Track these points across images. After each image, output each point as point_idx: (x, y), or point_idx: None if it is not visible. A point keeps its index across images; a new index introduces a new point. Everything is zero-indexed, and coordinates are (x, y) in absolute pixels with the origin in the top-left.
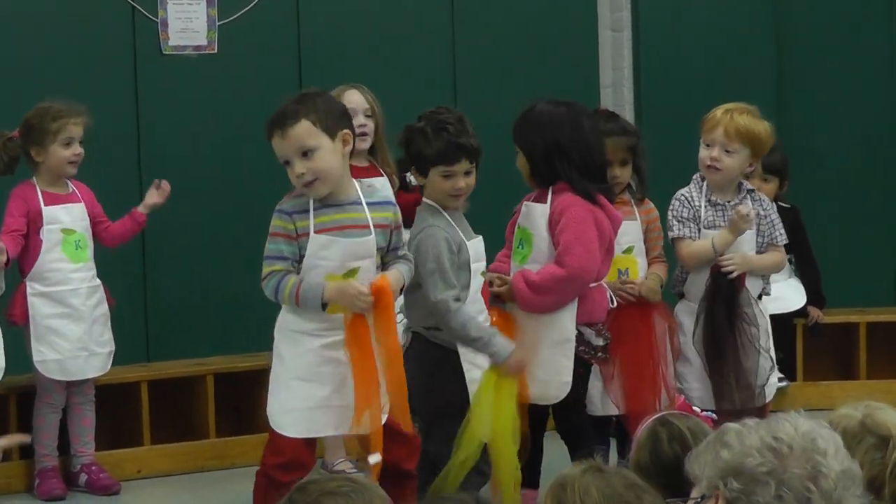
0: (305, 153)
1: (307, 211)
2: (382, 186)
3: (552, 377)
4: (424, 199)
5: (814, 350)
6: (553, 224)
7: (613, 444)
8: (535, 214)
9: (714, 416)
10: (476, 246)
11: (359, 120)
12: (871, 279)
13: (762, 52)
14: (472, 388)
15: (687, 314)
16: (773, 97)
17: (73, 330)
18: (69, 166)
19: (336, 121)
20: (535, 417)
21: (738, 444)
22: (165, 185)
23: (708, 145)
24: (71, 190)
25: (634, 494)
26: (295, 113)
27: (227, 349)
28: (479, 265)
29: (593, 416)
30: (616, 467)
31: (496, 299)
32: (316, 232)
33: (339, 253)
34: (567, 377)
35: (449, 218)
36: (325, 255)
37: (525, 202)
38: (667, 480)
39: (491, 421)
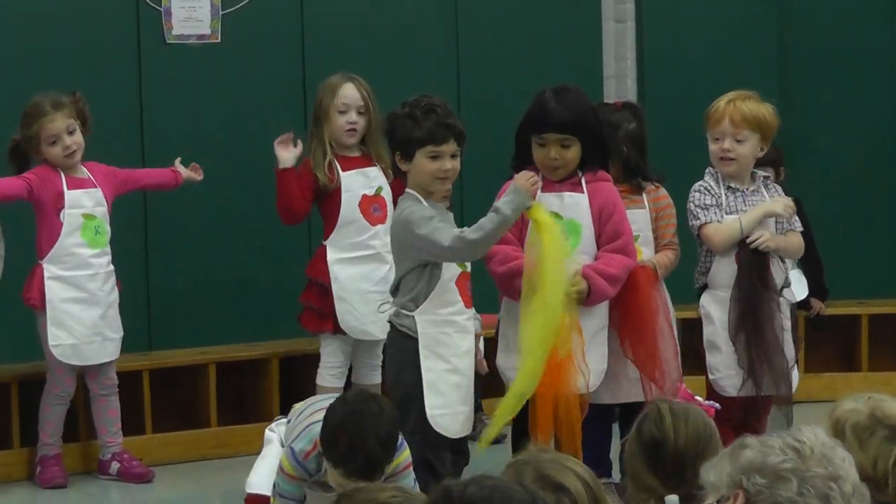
0: None
1: None
2: (375, 176)
3: (593, 366)
4: (407, 190)
5: (816, 342)
6: (602, 214)
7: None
8: (582, 205)
9: (717, 406)
10: None
11: (350, 117)
12: (874, 271)
13: (765, 42)
14: (427, 378)
15: (713, 303)
16: (776, 88)
17: (89, 314)
18: (66, 160)
19: None
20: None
21: (759, 445)
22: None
23: (717, 139)
24: (87, 175)
25: (540, 487)
26: None
27: (229, 338)
28: None
29: (596, 406)
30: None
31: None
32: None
33: None
34: (604, 365)
35: (431, 207)
36: None
37: (565, 192)
38: (646, 458)
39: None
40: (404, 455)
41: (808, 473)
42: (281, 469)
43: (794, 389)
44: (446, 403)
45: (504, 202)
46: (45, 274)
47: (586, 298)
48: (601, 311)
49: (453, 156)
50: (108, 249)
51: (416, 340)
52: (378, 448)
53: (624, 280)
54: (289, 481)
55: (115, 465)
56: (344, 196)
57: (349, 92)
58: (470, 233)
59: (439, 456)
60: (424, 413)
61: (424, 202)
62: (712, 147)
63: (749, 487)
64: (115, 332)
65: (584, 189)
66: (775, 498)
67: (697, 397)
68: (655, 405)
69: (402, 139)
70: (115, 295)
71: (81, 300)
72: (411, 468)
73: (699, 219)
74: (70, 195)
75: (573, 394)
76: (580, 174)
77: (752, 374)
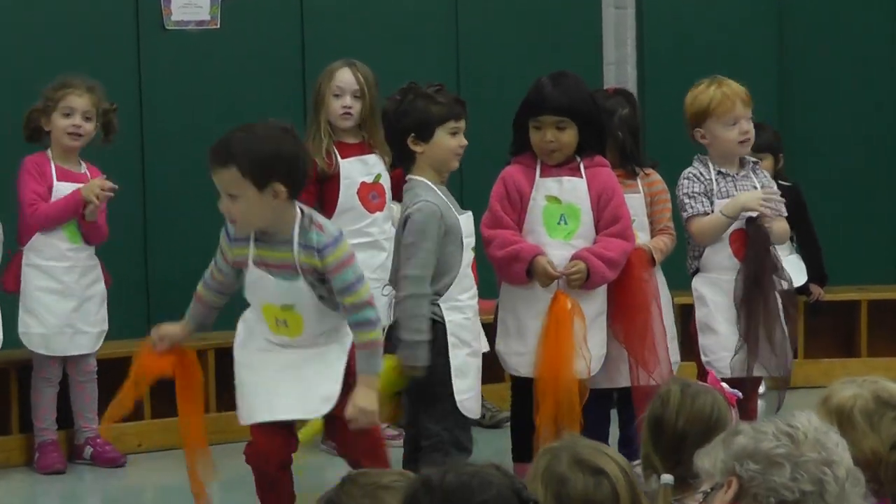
0: (230, 195)
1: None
2: (374, 164)
3: (593, 351)
4: (412, 176)
5: (815, 327)
6: (601, 199)
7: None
8: (580, 189)
9: (739, 394)
10: (466, 221)
11: (345, 101)
12: (873, 257)
13: (764, 28)
14: (455, 364)
15: (706, 285)
16: (775, 73)
17: (61, 306)
18: (67, 137)
19: (267, 172)
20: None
21: (752, 431)
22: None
23: (732, 124)
24: (84, 170)
25: (575, 470)
26: (226, 156)
27: (228, 324)
28: (469, 240)
29: (596, 390)
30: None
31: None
32: (254, 264)
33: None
34: (603, 350)
35: (440, 192)
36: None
37: (564, 177)
38: (649, 435)
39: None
40: (339, 251)
41: (801, 458)
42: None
43: (790, 370)
44: (471, 386)
45: (418, 357)
46: (24, 261)
47: (585, 282)
48: (600, 296)
49: (464, 132)
50: (89, 246)
51: (443, 326)
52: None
53: (623, 264)
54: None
55: (88, 450)
56: (343, 183)
57: (345, 76)
58: (412, 300)
59: (468, 435)
60: (454, 398)
61: (434, 187)
62: (728, 134)
63: (742, 474)
64: (92, 326)
65: (583, 174)
66: (769, 483)
67: (724, 384)
68: (670, 385)
69: (419, 120)
70: (97, 289)
71: (55, 291)
72: (351, 263)
73: (686, 210)
74: (57, 186)
75: (574, 379)
76: (578, 159)
77: (752, 351)
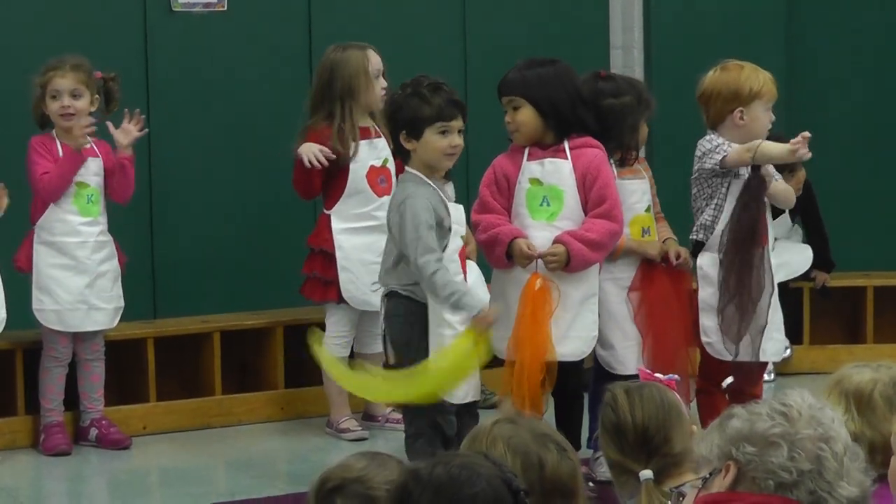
0: None
1: None
2: (382, 147)
3: (581, 332)
4: (408, 168)
5: (820, 313)
6: (587, 179)
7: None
8: (564, 171)
9: (677, 378)
10: (456, 211)
11: (382, 83)
12: (879, 242)
13: (772, 12)
14: (433, 344)
15: (713, 266)
16: (783, 57)
17: (74, 282)
18: (60, 119)
19: None
20: (566, 377)
21: (746, 413)
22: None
23: (768, 109)
24: (90, 145)
25: (541, 444)
26: None
27: (234, 306)
28: (458, 228)
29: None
30: (530, 419)
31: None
32: None
33: None
34: (595, 331)
35: (434, 186)
36: None
37: (548, 158)
38: (613, 443)
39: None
40: None
41: (797, 436)
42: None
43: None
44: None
45: (473, 302)
46: (35, 239)
47: (566, 265)
48: (590, 278)
49: (460, 132)
50: (102, 219)
51: (425, 307)
52: None
53: (608, 246)
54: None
55: (93, 432)
56: (353, 166)
57: (377, 59)
58: (438, 275)
59: (447, 419)
60: None
61: (428, 181)
62: (766, 118)
63: (740, 457)
64: (107, 303)
65: (568, 155)
66: (766, 466)
67: (657, 375)
68: (609, 391)
69: (410, 118)
70: (110, 266)
71: (68, 267)
72: None
73: (725, 149)
74: None
75: (543, 361)
76: (564, 141)
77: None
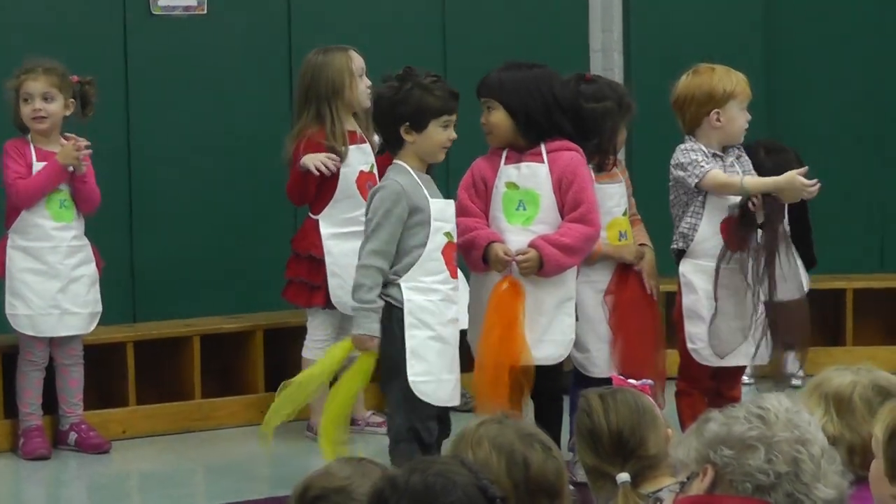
0: None
1: None
2: (369, 153)
3: (557, 336)
4: (397, 161)
5: None
6: (563, 183)
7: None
8: (540, 174)
9: (650, 382)
10: (442, 207)
11: (366, 81)
12: (858, 245)
13: (751, 15)
14: (410, 345)
15: (696, 272)
16: (762, 60)
17: (46, 287)
18: (33, 122)
19: None
20: (544, 381)
21: (723, 417)
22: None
23: (744, 108)
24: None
25: (527, 443)
26: None
27: (213, 310)
28: (441, 225)
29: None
30: (516, 420)
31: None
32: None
33: None
34: (572, 335)
35: (417, 178)
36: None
37: (524, 162)
38: (589, 449)
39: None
40: None
41: (774, 439)
42: None
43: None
44: (430, 370)
45: (367, 327)
46: (9, 243)
47: (539, 269)
48: (566, 282)
49: (455, 125)
50: (77, 224)
51: (400, 310)
52: None
53: (584, 250)
54: None
55: (72, 436)
56: (343, 171)
57: (359, 58)
58: (367, 274)
59: (426, 426)
60: (408, 381)
61: (414, 174)
62: (742, 118)
63: (717, 461)
64: (82, 308)
65: (545, 158)
66: (744, 468)
67: (631, 380)
68: (584, 397)
69: (414, 110)
70: (86, 271)
71: (40, 272)
72: None
73: (703, 167)
74: (38, 166)
75: (519, 365)
76: (541, 144)
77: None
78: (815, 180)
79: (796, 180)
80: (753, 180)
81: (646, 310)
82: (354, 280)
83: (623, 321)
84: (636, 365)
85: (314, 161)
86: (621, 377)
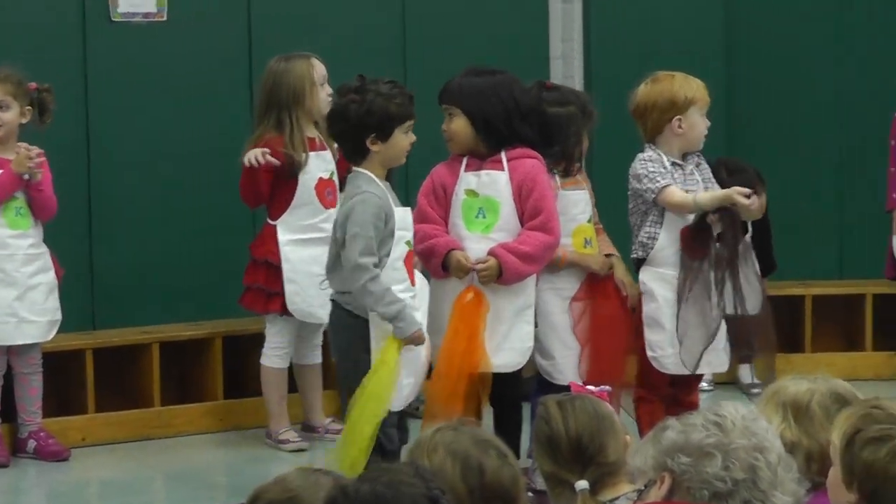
0: None
1: None
2: (329, 160)
3: (516, 344)
4: (360, 170)
5: None
6: (522, 191)
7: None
8: (500, 182)
9: (608, 388)
10: (402, 215)
11: (327, 89)
12: (817, 252)
13: (711, 22)
14: (375, 357)
15: (656, 280)
16: (722, 69)
17: (2, 295)
18: None
19: None
20: (503, 388)
21: (681, 425)
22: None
23: (704, 114)
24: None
25: (482, 449)
26: None
27: (173, 317)
28: (403, 234)
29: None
30: (472, 426)
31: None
32: None
33: None
34: (530, 342)
35: (383, 187)
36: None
37: (484, 170)
38: (548, 456)
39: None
40: None
41: (732, 446)
42: None
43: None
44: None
45: (410, 320)
46: None
47: (499, 277)
48: (525, 290)
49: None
50: (34, 232)
51: (362, 319)
52: None
53: (543, 258)
54: None
55: (31, 444)
56: (303, 178)
57: (320, 66)
58: (371, 283)
59: (386, 433)
60: None
61: (379, 182)
62: (703, 124)
63: (675, 468)
64: (39, 316)
65: (505, 166)
66: (701, 475)
67: (589, 387)
68: (542, 404)
69: (380, 120)
70: (44, 279)
71: None
72: None
73: (658, 182)
74: None
75: (474, 373)
76: (502, 151)
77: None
78: (751, 198)
79: (734, 198)
80: (705, 197)
81: (621, 319)
82: (373, 293)
83: (592, 329)
84: (605, 373)
85: (248, 156)
86: (580, 384)
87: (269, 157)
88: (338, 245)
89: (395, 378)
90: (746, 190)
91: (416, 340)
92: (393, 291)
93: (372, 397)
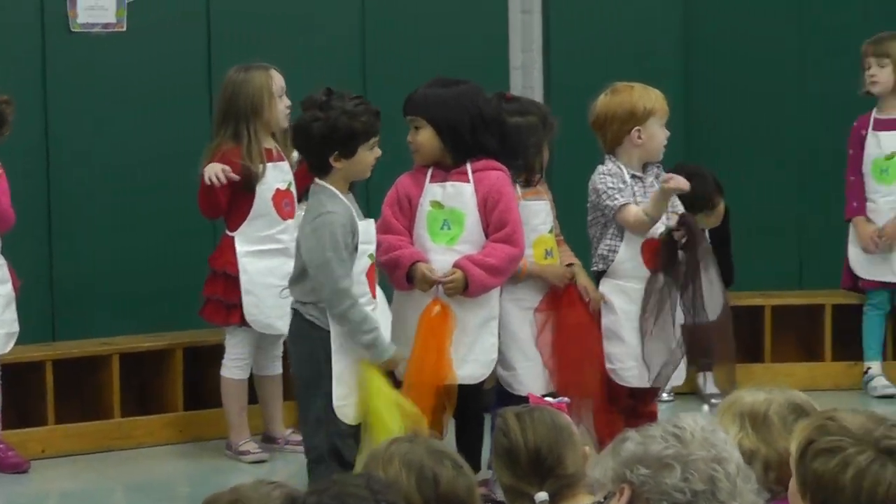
0: None
1: None
2: (287, 171)
3: (480, 356)
4: (322, 183)
5: None
6: (488, 202)
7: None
8: (465, 194)
9: (567, 400)
10: (366, 227)
11: (286, 101)
12: (777, 263)
13: (670, 33)
14: (336, 370)
15: (615, 293)
16: (681, 79)
17: None
18: None
19: None
20: (465, 400)
21: (640, 436)
22: None
23: (663, 125)
24: None
25: (436, 460)
26: None
27: (134, 328)
28: (366, 247)
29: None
30: (427, 437)
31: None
32: None
33: None
34: (494, 354)
35: (346, 201)
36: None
37: (450, 182)
38: (506, 468)
39: (396, 414)
40: None
41: (691, 458)
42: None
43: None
44: (350, 393)
45: (384, 344)
46: None
47: (465, 290)
48: (489, 302)
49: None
50: None
51: (324, 330)
52: None
53: (508, 271)
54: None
55: None
56: (260, 189)
57: (279, 77)
58: (351, 310)
59: (346, 443)
60: (331, 403)
61: (342, 197)
62: (662, 134)
63: (634, 479)
64: None
65: (470, 178)
66: (660, 487)
67: (547, 398)
68: (500, 416)
69: (344, 137)
70: (2, 291)
71: None
72: None
73: (616, 199)
74: None
75: (441, 386)
76: (467, 163)
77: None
78: (669, 175)
79: (667, 191)
80: (650, 206)
81: (588, 325)
82: (352, 319)
83: (559, 340)
84: (575, 384)
85: (209, 172)
86: (538, 395)
87: (230, 174)
88: (302, 259)
89: (392, 399)
90: (669, 175)
91: (390, 366)
92: (370, 319)
93: (382, 431)
